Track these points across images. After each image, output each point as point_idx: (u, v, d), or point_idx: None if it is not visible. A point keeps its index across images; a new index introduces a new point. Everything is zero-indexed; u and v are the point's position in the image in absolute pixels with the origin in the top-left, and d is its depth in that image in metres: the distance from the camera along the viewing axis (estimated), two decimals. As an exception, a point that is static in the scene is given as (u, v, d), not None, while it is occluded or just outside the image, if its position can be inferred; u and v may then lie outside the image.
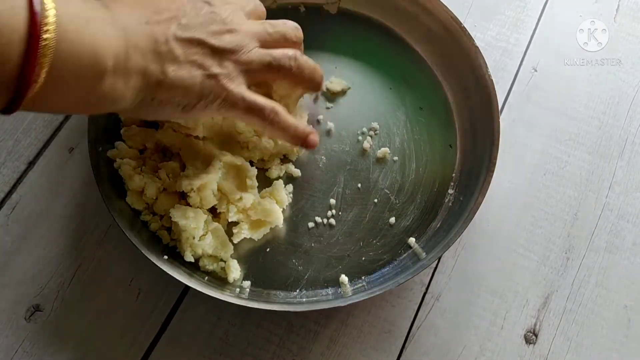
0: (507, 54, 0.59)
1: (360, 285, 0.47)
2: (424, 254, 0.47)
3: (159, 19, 0.40)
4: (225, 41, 0.41)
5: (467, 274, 0.50)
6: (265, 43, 0.44)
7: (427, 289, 0.49)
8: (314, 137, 0.47)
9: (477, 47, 0.51)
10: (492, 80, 0.50)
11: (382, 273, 0.48)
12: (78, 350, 0.47)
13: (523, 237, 0.51)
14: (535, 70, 0.58)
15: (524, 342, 0.47)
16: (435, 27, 0.54)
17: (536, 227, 0.51)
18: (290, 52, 0.45)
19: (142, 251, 0.44)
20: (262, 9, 0.48)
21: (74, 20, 0.33)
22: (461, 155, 0.52)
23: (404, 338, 0.47)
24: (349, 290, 0.46)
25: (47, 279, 0.49)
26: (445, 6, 0.53)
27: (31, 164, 0.54)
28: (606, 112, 0.56)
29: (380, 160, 0.52)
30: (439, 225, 0.49)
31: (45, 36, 0.31)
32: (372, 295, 0.43)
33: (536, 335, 0.48)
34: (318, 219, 0.50)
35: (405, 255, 0.48)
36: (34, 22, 0.31)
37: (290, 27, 0.46)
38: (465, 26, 0.52)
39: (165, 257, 0.46)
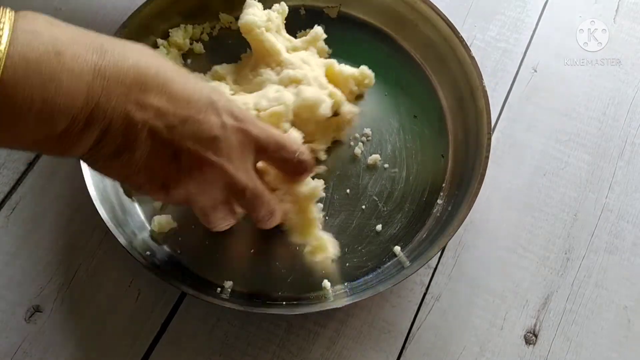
0: (507, 54, 0.59)
1: (342, 291, 0.47)
2: (408, 262, 0.47)
3: (152, 102, 0.34)
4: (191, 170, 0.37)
5: (467, 274, 0.50)
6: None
7: (427, 289, 0.49)
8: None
9: (474, 57, 0.51)
10: (486, 92, 0.49)
11: (365, 280, 0.47)
12: (78, 351, 0.47)
13: (523, 238, 0.51)
14: (535, 71, 0.58)
15: (523, 342, 0.47)
16: (433, 35, 0.54)
17: (536, 227, 0.51)
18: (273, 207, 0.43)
19: (139, 261, 0.44)
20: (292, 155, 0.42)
21: (27, 79, 0.29)
22: (452, 166, 0.51)
23: (403, 338, 0.47)
24: (330, 296, 0.46)
25: (46, 279, 0.49)
26: (444, 15, 0.53)
27: (31, 165, 0.54)
28: (606, 112, 0.56)
29: (371, 167, 0.52)
30: (425, 235, 0.49)
31: None
32: (352, 302, 0.43)
33: (536, 336, 0.48)
34: None
35: (389, 263, 0.48)
36: None
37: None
38: (464, 33, 0.52)
39: (148, 252, 0.46)
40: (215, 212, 0.41)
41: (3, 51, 0.28)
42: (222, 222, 0.43)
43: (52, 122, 0.30)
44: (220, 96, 0.38)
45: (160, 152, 0.35)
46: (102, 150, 0.34)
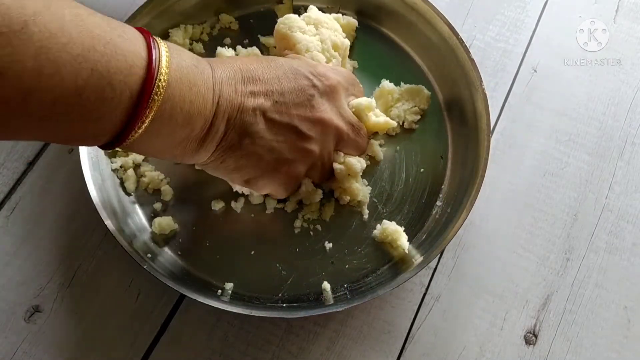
0: (506, 54, 0.59)
1: (342, 293, 0.47)
2: (414, 260, 0.46)
3: (254, 89, 0.41)
4: (310, 131, 0.44)
5: (467, 274, 0.50)
6: (341, 139, 0.47)
7: (426, 289, 0.49)
8: None
9: (473, 60, 0.50)
10: (485, 93, 0.49)
11: (365, 282, 0.47)
12: (77, 351, 0.47)
13: (523, 238, 0.51)
14: (535, 71, 0.58)
15: (523, 342, 0.47)
16: (433, 37, 0.54)
17: (536, 227, 0.51)
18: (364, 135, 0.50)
19: (139, 262, 0.44)
20: (360, 89, 0.52)
21: (180, 85, 0.36)
22: (452, 167, 0.51)
23: (403, 339, 0.47)
24: (330, 298, 0.46)
25: (46, 279, 0.49)
26: (444, 17, 0.52)
27: (31, 165, 0.54)
28: (606, 112, 0.56)
29: (370, 168, 0.52)
30: (424, 237, 0.49)
31: (154, 96, 0.34)
32: (351, 305, 0.43)
33: (536, 336, 0.48)
34: (304, 225, 0.50)
35: (388, 265, 0.48)
36: (150, 79, 0.33)
37: (363, 142, 0.50)
38: (463, 34, 0.52)
39: (149, 255, 0.46)
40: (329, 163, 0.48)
41: (169, 60, 0.35)
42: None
43: (193, 122, 0.37)
44: (297, 61, 0.45)
45: (274, 127, 0.42)
46: (227, 140, 0.40)
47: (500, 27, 0.60)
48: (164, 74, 0.34)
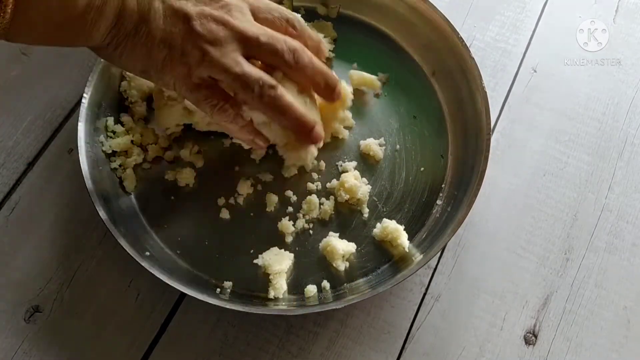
0: (506, 54, 0.59)
1: (341, 292, 0.47)
2: (414, 257, 0.47)
3: None
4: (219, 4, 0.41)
5: (467, 274, 0.50)
6: (260, 20, 0.44)
7: (426, 289, 0.49)
8: (320, 129, 0.47)
9: (473, 58, 0.51)
10: (485, 92, 0.49)
11: (365, 281, 0.47)
12: (77, 351, 0.47)
13: (522, 238, 0.51)
14: (535, 71, 0.58)
15: (523, 342, 0.47)
16: (433, 36, 0.54)
17: (536, 227, 0.51)
18: (293, 42, 0.44)
19: (138, 261, 0.44)
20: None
21: None
22: (452, 166, 0.51)
23: (403, 339, 0.47)
24: (330, 297, 0.46)
25: (46, 280, 0.49)
26: (444, 16, 0.53)
27: (30, 165, 0.54)
28: (606, 112, 0.56)
29: (370, 168, 0.52)
30: (424, 235, 0.49)
31: None
32: (351, 303, 0.43)
33: (536, 336, 0.48)
34: (304, 224, 0.50)
35: (388, 264, 0.48)
36: None
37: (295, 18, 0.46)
38: (463, 34, 0.52)
39: (147, 253, 0.46)
40: (240, 82, 0.42)
41: None
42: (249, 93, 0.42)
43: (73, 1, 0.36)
44: None
45: (172, 17, 0.40)
46: (122, 28, 0.39)
47: (500, 27, 0.60)
48: None
